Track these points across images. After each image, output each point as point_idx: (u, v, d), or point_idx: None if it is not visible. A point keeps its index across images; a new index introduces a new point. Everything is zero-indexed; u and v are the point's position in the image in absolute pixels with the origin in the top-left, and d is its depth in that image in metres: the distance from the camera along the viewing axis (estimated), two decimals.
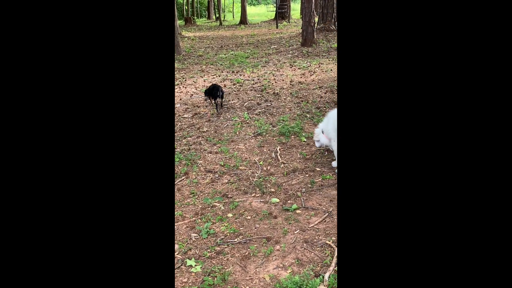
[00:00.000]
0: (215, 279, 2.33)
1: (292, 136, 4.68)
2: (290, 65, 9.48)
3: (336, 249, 2.54)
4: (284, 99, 6.36)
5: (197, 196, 3.39)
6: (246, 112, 5.69)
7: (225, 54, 11.83)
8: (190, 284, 2.32)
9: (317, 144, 3.83)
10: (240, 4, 26.10)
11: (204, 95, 6.12)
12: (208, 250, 2.63)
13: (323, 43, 12.59)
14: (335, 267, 2.37)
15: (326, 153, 4.13)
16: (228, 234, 2.81)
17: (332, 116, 3.64)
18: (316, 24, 13.59)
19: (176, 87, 7.62)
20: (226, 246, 2.67)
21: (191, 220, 3.02)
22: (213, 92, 5.80)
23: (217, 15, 28.42)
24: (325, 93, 6.53)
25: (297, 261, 2.47)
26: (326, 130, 3.65)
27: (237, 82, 7.74)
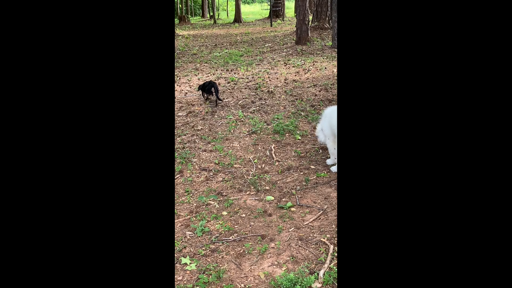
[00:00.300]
0: (210, 277, 2.33)
1: (287, 134, 4.68)
2: (285, 63, 9.48)
3: (330, 246, 2.55)
4: (279, 97, 6.36)
5: (191, 194, 3.39)
6: (240, 110, 5.69)
7: (219, 53, 11.81)
8: (185, 282, 2.31)
9: (318, 139, 3.91)
10: (234, 3, 26.05)
11: (198, 90, 6.29)
12: (203, 248, 2.63)
13: (317, 41, 12.60)
14: (329, 264, 2.38)
15: (321, 151, 4.14)
16: (223, 232, 2.81)
17: (327, 113, 3.67)
18: (310, 22, 13.60)
19: None
20: (221, 244, 2.67)
21: (186, 218, 3.02)
22: (207, 88, 5.96)
23: (211, 14, 28.36)
24: (320, 91, 6.54)
25: (292, 258, 2.47)
26: (323, 128, 3.69)
27: (232, 80, 7.73)
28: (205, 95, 6.12)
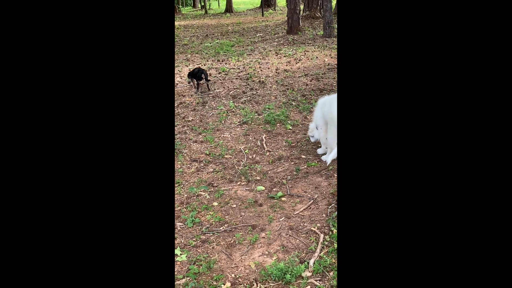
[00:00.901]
0: (201, 267, 2.33)
1: (278, 124, 4.67)
2: (276, 53, 9.44)
3: (321, 235, 2.55)
4: (270, 87, 6.34)
5: (182, 186, 3.38)
6: (231, 101, 5.66)
7: (210, 43, 11.72)
8: (176, 273, 2.31)
9: (312, 139, 3.91)
10: None
11: (188, 77, 6.43)
12: (194, 239, 2.62)
13: (309, 30, 12.55)
14: (320, 253, 2.39)
15: (312, 140, 4.14)
16: (214, 223, 2.80)
17: (320, 103, 3.66)
18: (301, 12, 13.54)
19: None
20: (211, 234, 2.67)
21: (177, 209, 3.01)
22: (197, 75, 6.11)
23: (203, 4, 28.11)
24: (311, 81, 6.52)
25: (282, 248, 2.48)
26: (316, 117, 3.69)
27: (223, 71, 7.68)
28: (196, 81, 6.17)
